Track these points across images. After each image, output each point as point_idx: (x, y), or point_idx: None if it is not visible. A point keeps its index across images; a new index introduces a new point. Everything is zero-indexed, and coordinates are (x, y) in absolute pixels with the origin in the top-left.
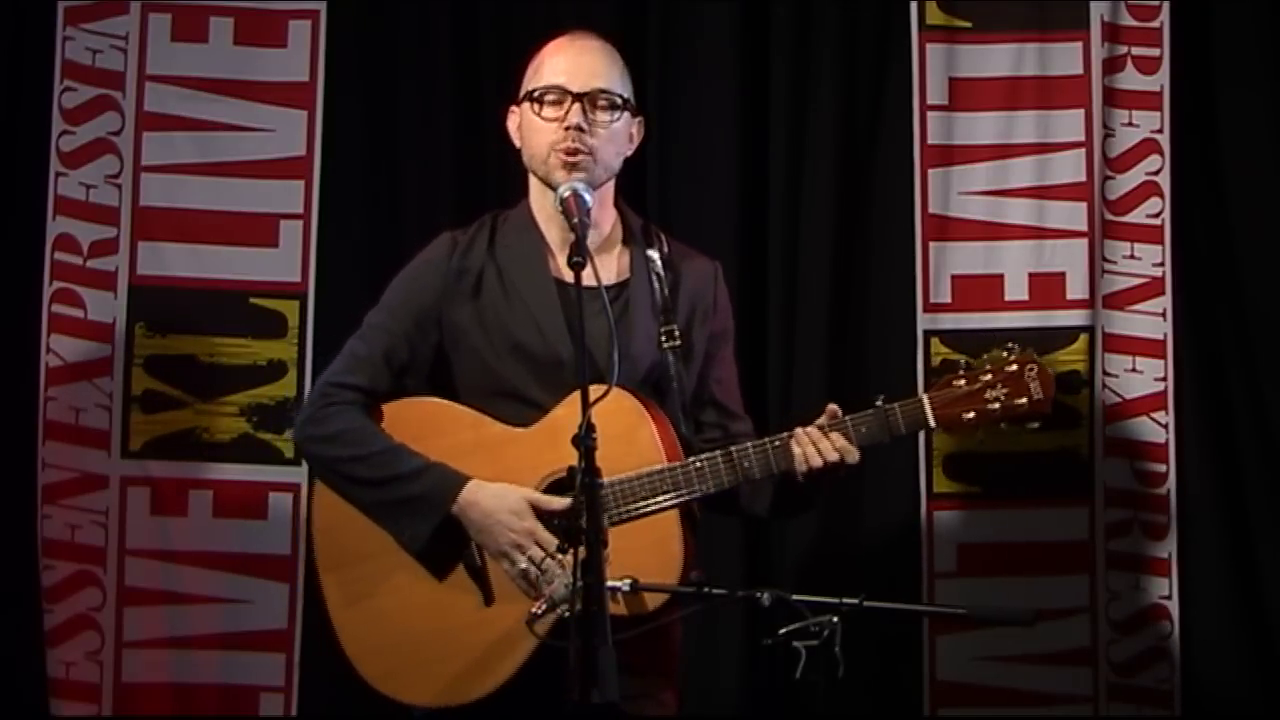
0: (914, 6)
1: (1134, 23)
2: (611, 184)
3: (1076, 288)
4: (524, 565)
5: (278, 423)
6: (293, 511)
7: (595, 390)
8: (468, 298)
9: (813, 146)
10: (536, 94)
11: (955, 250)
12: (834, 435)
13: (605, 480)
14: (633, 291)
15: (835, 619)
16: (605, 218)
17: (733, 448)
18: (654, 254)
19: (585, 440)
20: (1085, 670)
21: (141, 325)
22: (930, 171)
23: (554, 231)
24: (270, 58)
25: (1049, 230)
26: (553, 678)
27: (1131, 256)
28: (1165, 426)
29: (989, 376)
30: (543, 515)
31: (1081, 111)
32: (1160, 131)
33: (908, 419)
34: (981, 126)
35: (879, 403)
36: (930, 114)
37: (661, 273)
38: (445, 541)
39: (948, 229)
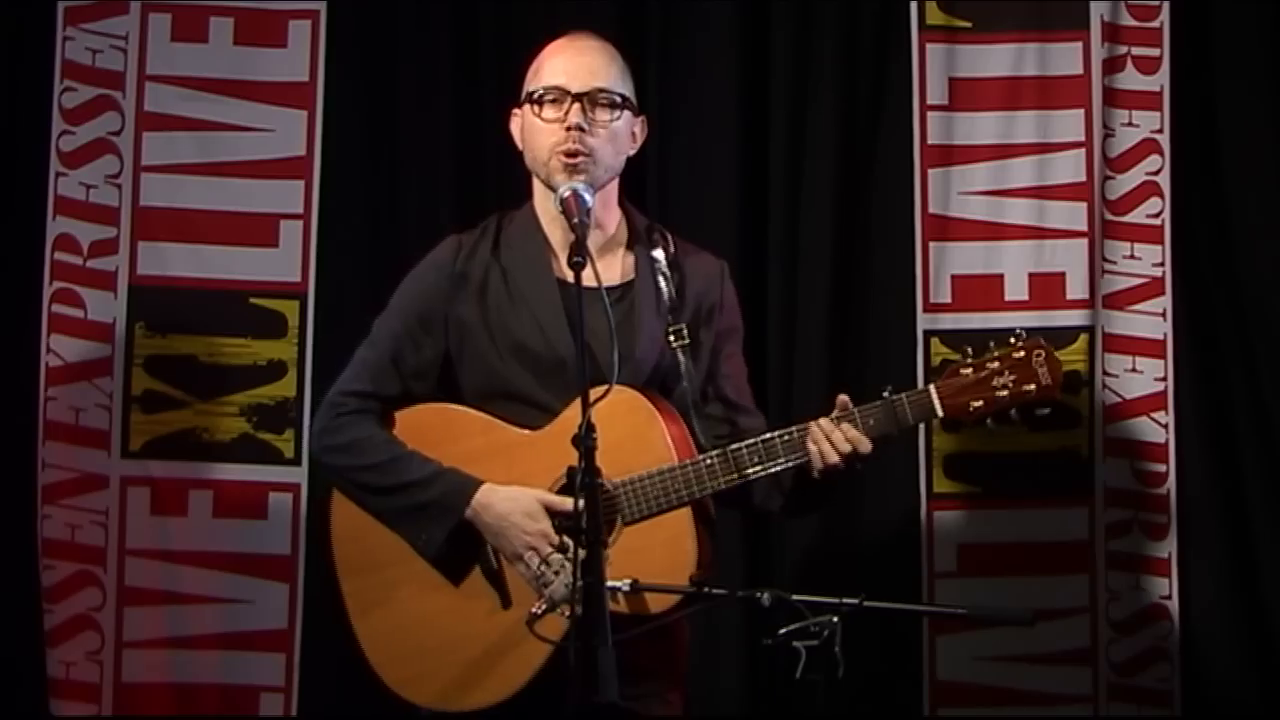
0: (914, 6)
1: (1134, 23)
2: (615, 184)
3: (1076, 288)
4: (540, 567)
5: (278, 423)
6: (293, 511)
7: (597, 391)
8: (473, 300)
9: (813, 146)
10: (536, 95)
11: (955, 250)
12: (844, 426)
13: (618, 480)
14: (637, 292)
15: (835, 619)
16: (609, 218)
17: (743, 443)
18: (659, 254)
19: (585, 440)
20: (1085, 670)
21: (141, 325)
22: (930, 171)
23: (557, 232)
24: (270, 58)
25: (1049, 230)
26: (560, 678)
27: (1131, 256)
28: (1165, 426)
29: (996, 364)
30: (556, 516)
31: (1081, 111)
32: (1160, 131)
33: (915, 409)
34: (981, 126)
35: (886, 394)
36: (930, 114)
37: (667, 273)
38: (461, 546)
39: (948, 229)
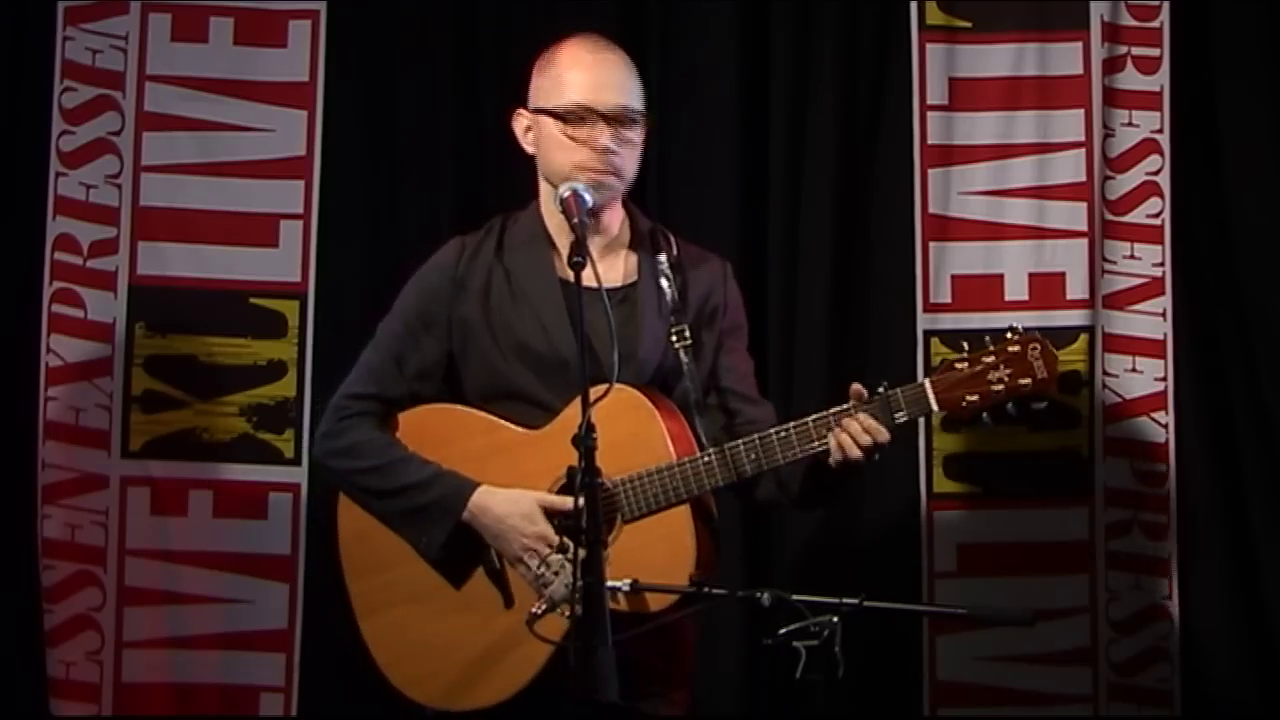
0: (914, 6)
1: (1134, 23)
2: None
3: (1076, 288)
4: (540, 569)
5: (278, 423)
6: (293, 511)
7: (598, 391)
8: (476, 300)
9: (813, 146)
10: (561, 113)
11: (955, 250)
12: (862, 416)
13: (617, 479)
14: (639, 293)
15: (835, 619)
16: (614, 220)
17: (740, 440)
18: (662, 256)
19: (585, 440)
20: (1085, 670)
21: (141, 325)
22: (930, 171)
23: (562, 233)
24: (270, 58)
25: (1049, 230)
26: (560, 678)
27: (1131, 256)
28: (1165, 426)
29: (991, 359)
30: (555, 516)
31: (1081, 111)
32: (1160, 131)
33: (910, 404)
34: (981, 126)
35: (882, 389)
36: (930, 114)
37: (670, 274)
38: (463, 547)
39: (948, 229)
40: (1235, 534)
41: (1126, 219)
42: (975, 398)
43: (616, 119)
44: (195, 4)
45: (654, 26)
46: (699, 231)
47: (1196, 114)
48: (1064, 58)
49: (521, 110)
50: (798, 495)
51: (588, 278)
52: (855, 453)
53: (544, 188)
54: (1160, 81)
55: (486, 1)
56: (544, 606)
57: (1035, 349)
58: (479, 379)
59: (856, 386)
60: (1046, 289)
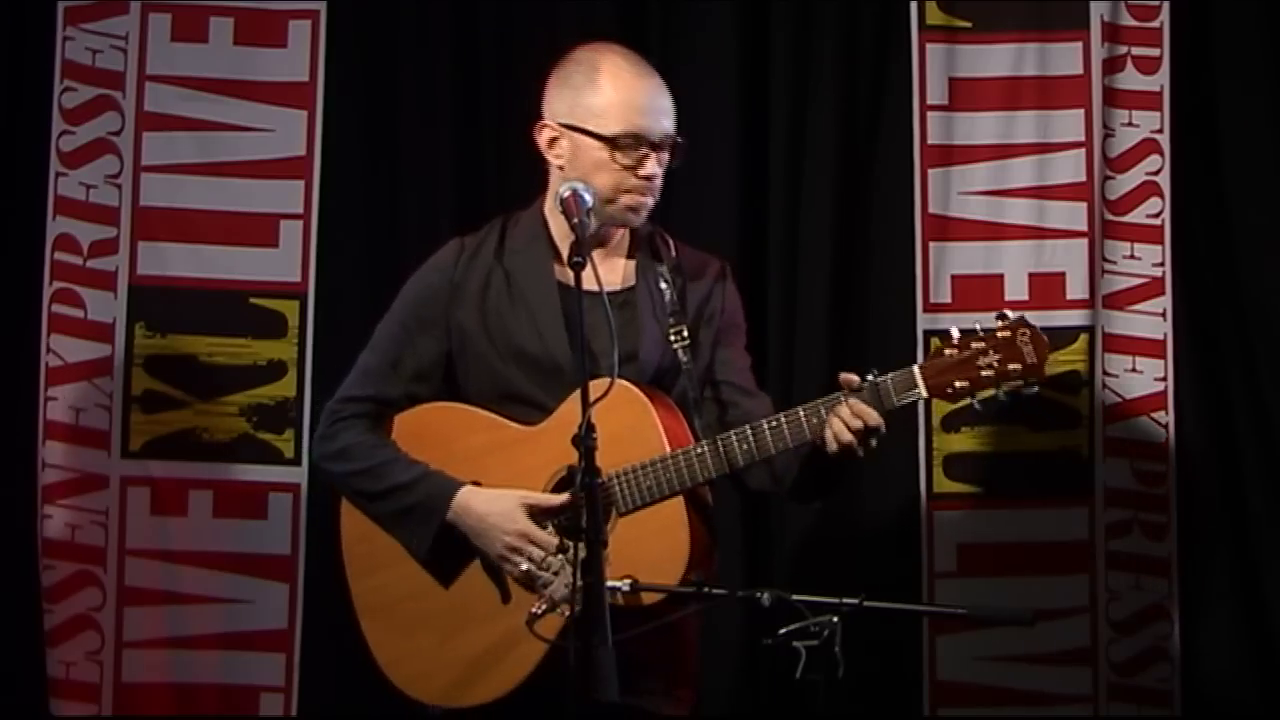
0: (914, 6)
1: (1134, 23)
2: None
3: (1076, 288)
4: (525, 567)
5: (278, 423)
6: (292, 511)
7: (597, 388)
8: (474, 302)
9: (813, 146)
10: (610, 138)
11: (955, 250)
12: (852, 401)
13: (612, 472)
14: (638, 297)
15: (835, 619)
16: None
17: (732, 431)
18: (661, 259)
19: (585, 440)
20: (1085, 670)
21: (141, 325)
22: (930, 171)
23: (567, 239)
24: (270, 58)
25: (1049, 230)
26: (562, 676)
27: (1131, 256)
28: (1165, 426)
29: (981, 344)
30: (541, 514)
31: (1081, 111)
32: (1160, 131)
33: (899, 390)
34: (981, 126)
35: (871, 376)
36: (930, 114)
37: (669, 278)
38: (453, 547)
39: (948, 229)
40: (1235, 534)
41: (1126, 219)
42: (964, 383)
43: (661, 146)
44: (195, 4)
45: (654, 26)
46: (699, 231)
47: (1196, 114)
48: (1064, 58)
49: (549, 123)
50: (792, 486)
51: (588, 279)
52: (847, 437)
53: (551, 196)
54: (1160, 81)
55: (486, 2)
56: (544, 606)
57: (1025, 335)
58: (476, 381)
59: (845, 375)
60: (1046, 289)
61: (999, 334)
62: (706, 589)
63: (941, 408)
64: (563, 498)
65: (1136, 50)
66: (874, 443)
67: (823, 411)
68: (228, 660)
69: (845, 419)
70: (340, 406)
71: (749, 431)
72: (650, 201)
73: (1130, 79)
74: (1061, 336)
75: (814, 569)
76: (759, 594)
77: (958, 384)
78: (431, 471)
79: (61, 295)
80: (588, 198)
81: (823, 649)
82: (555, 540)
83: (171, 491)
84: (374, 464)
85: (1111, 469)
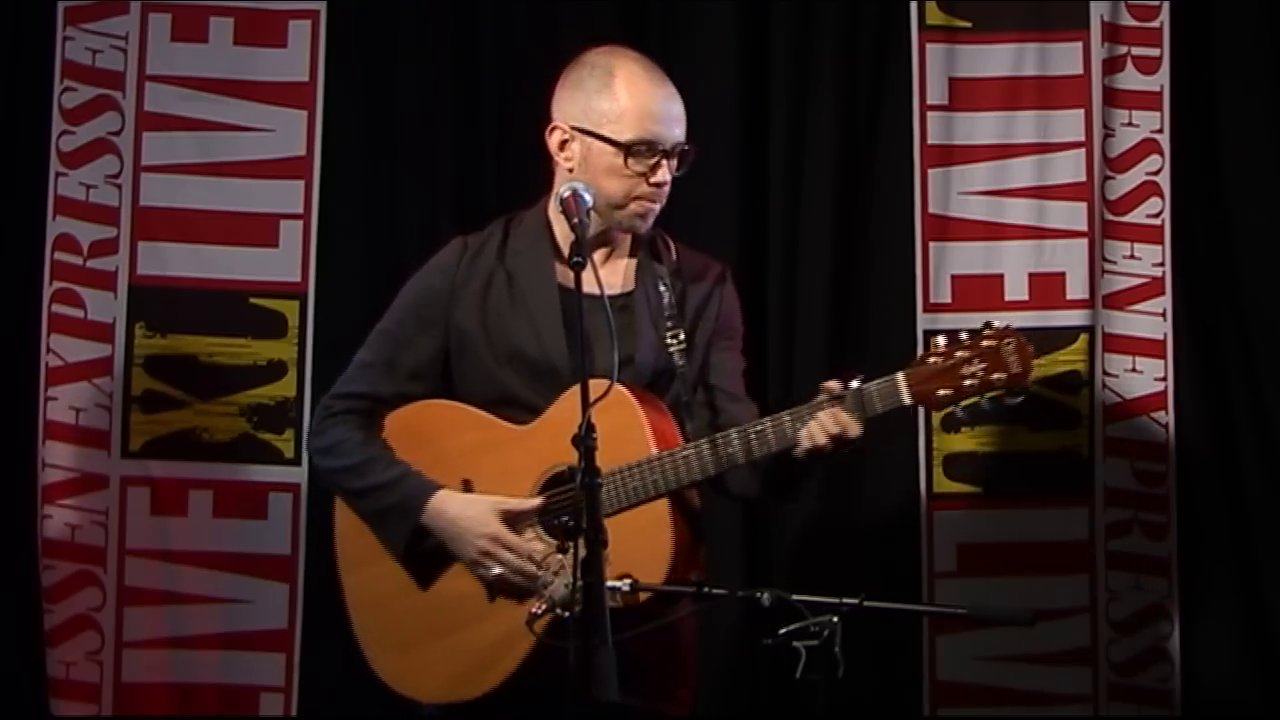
0: (914, 6)
1: (1134, 23)
2: None
3: (1076, 288)
4: (497, 571)
5: (278, 423)
6: (292, 511)
7: (593, 390)
8: (474, 303)
9: (813, 146)
10: (626, 145)
11: (955, 250)
12: (835, 409)
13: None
14: (636, 300)
15: (835, 619)
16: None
17: (718, 435)
18: (661, 262)
19: (585, 440)
20: (1085, 670)
21: (141, 325)
22: (930, 171)
23: (566, 230)
24: (270, 58)
25: (1049, 230)
26: (559, 675)
27: (1131, 256)
28: (1165, 426)
29: (966, 353)
30: (515, 519)
31: (1081, 111)
32: (1160, 131)
33: (883, 396)
34: (981, 126)
35: (855, 383)
36: (930, 114)
37: (669, 281)
38: (432, 547)
39: (948, 229)
40: (1235, 534)
41: (1126, 219)
42: (948, 391)
43: (672, 153)
44: (195, 4)
45: (654, 26)
46: (699, 231)
47: (1196, 114)
48: (1064, 58)
49: (561, 125)
50: (761, 489)
51: (589, 281)
52: (822, 440)
53: (559, 186)
54: (1160, 81)
55: (486, 2)
56: (544, 606)
57: (1010, 344)
58: (472, 382)
59: (827, 384)
60: (1046, 289)
61: (984, 343)
62: (706, 589)
63: (968, 416)
64: (537, 501)
65: (1136, 50)
66: (847, 450)
67: (806, 417)
68: (228, 660)
69: (823, 424)
70: (333, 402)
71: (734, 435)
72: (658, 208)
73: (1130, 79)
74: (1061, 336)
75: (814, 569)
76: (759, 594)
77: (942, 392)
78: (411, 473)
79: (61, 295)
80: (588, 198)
81: (823, 649)
82: (530, 545)
83: (171, 491)
84: (357, 461)
85: (1111, 469)
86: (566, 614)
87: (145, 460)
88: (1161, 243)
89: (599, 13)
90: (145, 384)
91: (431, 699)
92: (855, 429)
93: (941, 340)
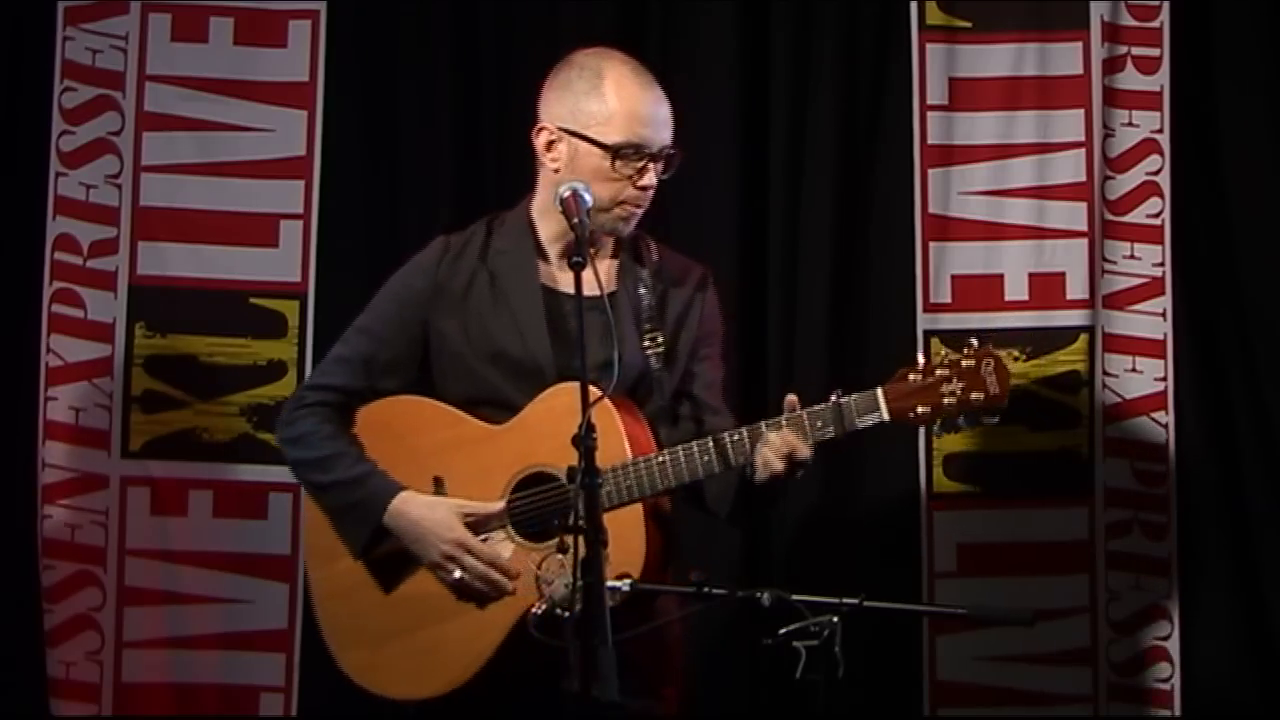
0: (914, 6)
1: (1134, 23)
2: None
3: (1076, 288)
4: (458, 575)
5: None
6: (292, 511)
7: (570, 390)
8: (456, 302)
9: (813, 146)
10: (614, 147)
11: (955, 250)
12: (784, 431)
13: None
14: (619, 301)
15: (835, 619)
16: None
17: (694, 442)
18: (643, 263)
19: (585, 440)
20: (1085, 670)
21: (141, 325)
22: (930, 171)
23: (555, 242)
24: (270, 58)
25: (1049, 230)
26: (543, 672)
27: (1131, 256)
28: (1165, 426)
29: (945, 371)
30: (478, 523)
31: (1081, 111)
32: (1160, 131)
33: (862, 411)
34: (981, 126)
35: (834, 397)
36: (930, 114)
37: (649, 283)
38: (393, 548)
39: (948, 229)
40: (1235, 534)
41: (1126, 219)
42: (926, 409)
43: (659, 157)
44: (195, 4)
45: (654, 26)
46: (699, 231)
47: (1196, 114)
48: (1064, 58)
49: (548, 125)
50: (729, 509)
51: (567, 280)
52: (777, 466)
53: (542, 197)
54: (1160, 81)
55: (486, 2)
56: (544, 606)
57: (989, 364)
58: (452, 380)
59: (791, 398)
60: (1046, 289)
61: (963, 363)
62: (706, 589)
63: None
64: (499, 506)
65: (1136, 50)
66: (800, 474)
67: (764, 430)
68: (228, 660)
69: (775, 448)
70: (306, 393)
71: (710, 444)
72: (641, 212)
73: (1130, 79)
74: (1061, 336)
75: (814, 569)
76: (759, 594)
77: (920, 409)
78: (376, 471)
79: (61, 295)
80: (588, 198)
81: (823, 649)
82: (493, 550)
83: (171, 491)
84: (324, 455)
85: (1111, 469)
86: (566, 614)
87: (145, 460)
88: (1161, 243)
89: (599, 13)
90: (145, 384)
91: (396, 695)
92: (804, 451)
93: (921, 359)
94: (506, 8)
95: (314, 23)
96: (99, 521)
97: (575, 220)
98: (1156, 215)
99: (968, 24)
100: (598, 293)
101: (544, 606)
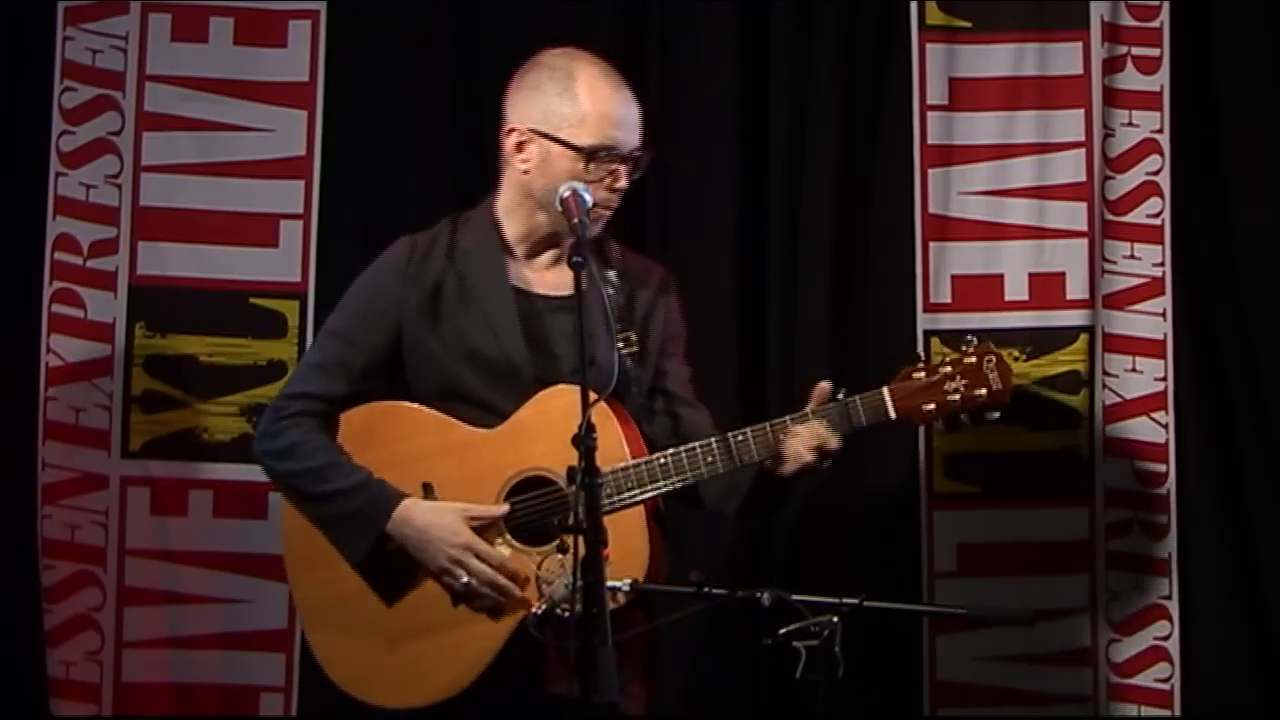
0: (914, 6)
1: (1134, 23)
2: None
3: (1076, 288)
4: (466, 580)
5: None
6: None
7: (565, 393)
8: (426, 303)
9: (813, 146)
10: (587, 150)
11: (955, 250)
12: (813, 423)
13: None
14: (588, 302)
15: (835, 619)
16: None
17: (697, 443)
18: (609, 266)
19: (585, 440)
20: (1085, 670)
21: (141, 325)
22: (930, 171)
23: (522, 241)
24: (270, 58)
25: (1049, 230)
26: (526, 672)
27: (1131, 256)
28: (1165, 426)
29: (948, 369)
30: (485, 526)
31: (1081, 111)
32: (1160, 131)
33: (868, 410)
34: (981, 126)
35: (840, 395)
36: (930, 114)
37: (616, 283)
38: (389, 554)
39: (948, 229)
40: (1235, 534)
41: (1126, 219)
42: (932, 406)
43: (629, 159)
44: (195, 4)
45: (654, 26)
46: (699, 231)
47: (1196, 114)
48: (1064, 58)
49: (519, 127)
50: (741, 505)
51: (539, 283)
52: (807, 458)
53: (508, 197)
54: (1160, 81)
55: (486, 2)
56: (544, 606)
57: (990, 361)
58: (426, 380)
59: (821, 385)
60: (1046, 289)
61: (966, 360)
62: (707, 589)
63: (943, 430)
64: (503, 509)
65: (1136, 50)
66: (828, 464)
67: (790, 426)
68: (228, 660)
69: (805, 440)
70: (286, 403)
71: (714, 444)
72: (610, 214)
73: (1130, 79)
74: (1061, 336)
75: (814, 569)
76: (759, 594)
77: (925, 407)
78: (374, 479)
79: (61, 295)
80: (588, 198)
81: (823, 649)
82: (500, 552)
83: (171, 491)
84: (318, 465)
85: (1111, 469)
86: (566, 614)
87: (145, 460)
88: (1161, 243)
89: (599, 13)
90: (145, 384)
91: (394, 703)
92: (834, 444)
93: (924, 357)
94: (506, 8)
95: (314, 23)
96: (99, 521)
97: (575, 220)
98: (1156, 215)
99: (968, 24)
100: (568, 293)
101: (544, 606)
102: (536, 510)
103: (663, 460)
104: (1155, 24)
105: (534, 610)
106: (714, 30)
